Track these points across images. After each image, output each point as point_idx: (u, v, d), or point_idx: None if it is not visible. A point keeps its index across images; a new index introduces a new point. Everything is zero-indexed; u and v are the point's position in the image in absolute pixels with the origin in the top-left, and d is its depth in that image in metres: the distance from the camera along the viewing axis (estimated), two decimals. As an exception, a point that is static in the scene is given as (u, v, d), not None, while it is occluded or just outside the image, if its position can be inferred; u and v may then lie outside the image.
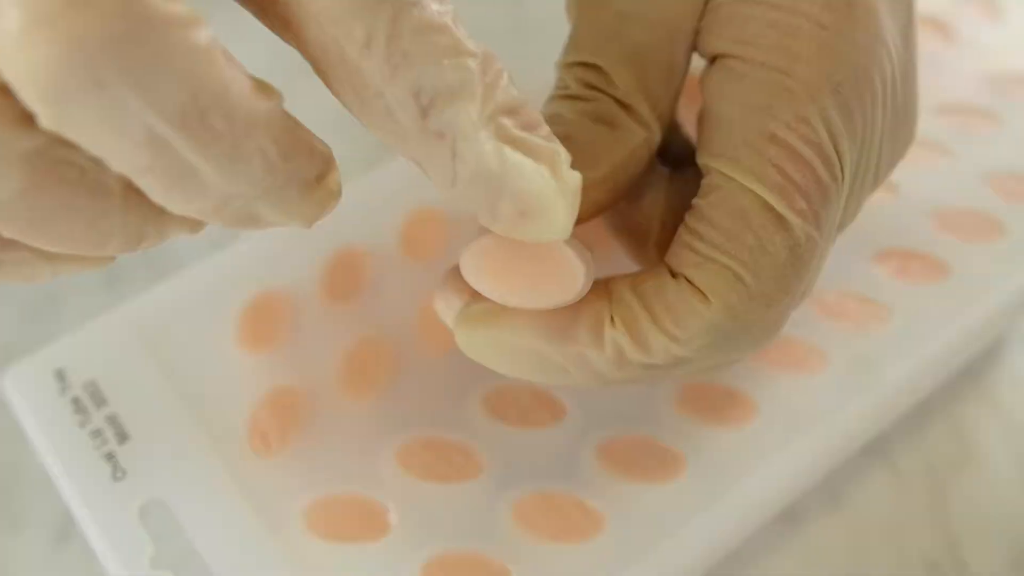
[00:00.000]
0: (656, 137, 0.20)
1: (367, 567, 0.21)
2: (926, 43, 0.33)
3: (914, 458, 0.27)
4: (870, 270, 0.27)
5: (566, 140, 0.19)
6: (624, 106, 0.19)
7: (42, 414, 0.23)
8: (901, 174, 0.29)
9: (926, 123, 0.31)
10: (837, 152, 0.18)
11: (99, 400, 0.23)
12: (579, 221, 0.19)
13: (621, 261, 0.22)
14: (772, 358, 0.25)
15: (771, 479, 0.23)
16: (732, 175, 0.18)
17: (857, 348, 0.25)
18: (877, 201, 0.29)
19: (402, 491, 0.23)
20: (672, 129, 0.22)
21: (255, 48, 0.33)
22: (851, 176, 0.19)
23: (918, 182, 0.29)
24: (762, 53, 0.18)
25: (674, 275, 0.19)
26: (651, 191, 0.21)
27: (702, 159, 0.19)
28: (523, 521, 0.22)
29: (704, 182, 0.19)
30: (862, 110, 0.19)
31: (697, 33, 0.20)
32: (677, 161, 0.22)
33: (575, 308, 0.18)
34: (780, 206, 0.18)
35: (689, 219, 0.19)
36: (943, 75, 0.32)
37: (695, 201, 0.19)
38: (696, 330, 0.18)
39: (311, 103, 0.36)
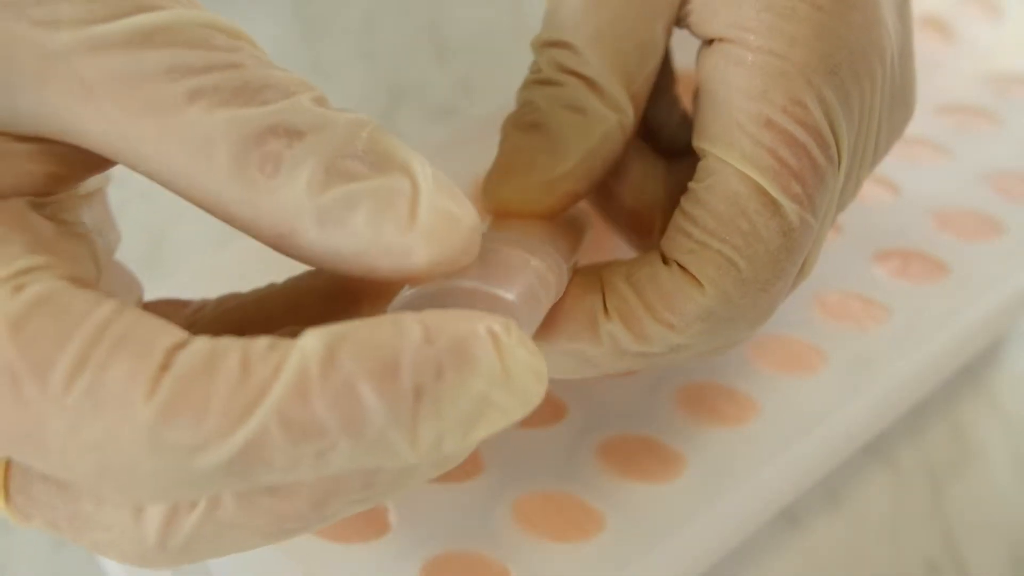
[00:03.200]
0: (630, 119, 0.19)
1: (367, 567, 0.21)
2: (926, 43, 0.33)
3: (914, 458, 0.27)
4: (870, 270, 0.27)
5: (537, 129, 0.19)
6: (595, 88, 0.19)
7: (42, 414, 0.23)
8: (901, 174, 0.29)
9: (926, 123, 0.31)
10: (834, 134, 0.18)
11: (99, 400, 0.23)
12: (557, 211, 0.19)
13: (605, 250, 0.22)
14: (772, 358, 0.25)
15: (771, 479, 0.23)
16: (727, 159, 0.18)
17: (857, 348, 0.25)
18: (877, 201, 0.29)
19: (402, 491, 0.23)
20: (670, 112, 0.22)
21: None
22: (849, 157, 0.19)
23: (918, 182, 0.29)
24: (758, 37, 0.18)
25: (667, 262, 0.19)
26: (651, 183, 0.21)
27: (698, 142, 0.19)
28: (523, 521, 0.22)
29: (700, 165, 0.19)
30: (859, 91, 0.19)
31: (688, 14, 0.20)
32: (677, 148, 0.22)
33: (566, 305, 0.18)
34: (774, 190, 0.18)
35: (684, 203, 0.19)
36: (943, 75, 0.32)
37: (691, 184, 0.19)
38: (691, 317, 0.18)
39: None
